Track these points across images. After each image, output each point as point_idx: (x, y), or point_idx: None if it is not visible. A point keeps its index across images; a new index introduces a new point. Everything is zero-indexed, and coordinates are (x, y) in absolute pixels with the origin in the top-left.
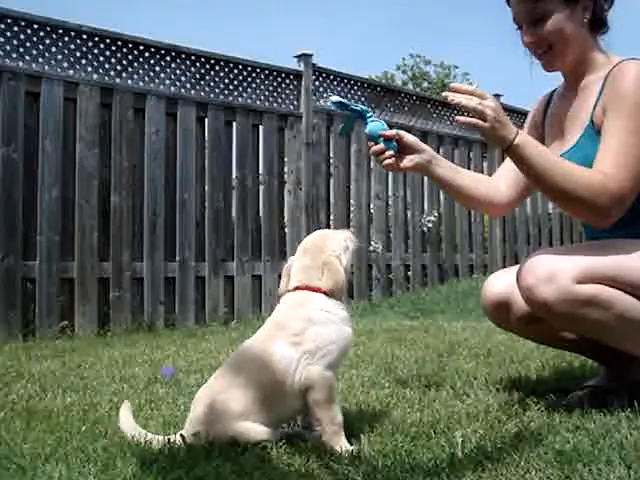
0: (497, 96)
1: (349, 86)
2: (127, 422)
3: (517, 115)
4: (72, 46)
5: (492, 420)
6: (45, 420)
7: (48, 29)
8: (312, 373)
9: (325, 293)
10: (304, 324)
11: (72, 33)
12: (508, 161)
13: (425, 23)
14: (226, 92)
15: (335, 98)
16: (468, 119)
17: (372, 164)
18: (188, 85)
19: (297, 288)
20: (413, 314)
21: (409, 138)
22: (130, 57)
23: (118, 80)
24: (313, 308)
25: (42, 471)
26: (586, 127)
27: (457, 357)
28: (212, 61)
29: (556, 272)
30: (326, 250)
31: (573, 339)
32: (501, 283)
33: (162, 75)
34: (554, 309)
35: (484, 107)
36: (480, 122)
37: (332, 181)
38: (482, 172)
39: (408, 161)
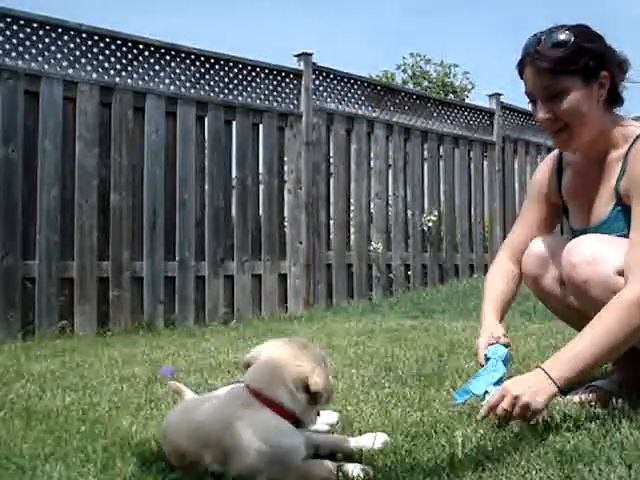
0: (497, 95)
1: (349, 85)
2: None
3: (517, 115)
4: (71, 45)
5: (492, 420)
6: (45, 420)
7: (47, 28)
8: None
9: (286, 415)
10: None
11: (71, 32)
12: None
13: (425, 23)
14: (226, 91)
15: (461, 399)
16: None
17: (372, 164)
18: (188, 84)
19: (252, 390)
20: (413, 314)
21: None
22: (130, 56)
23: (118, 79)
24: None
25: (42, 471)
26: (613, 206)
27: (457, 357)
28: (212, 60)
29: (601, 257)
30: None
31: None
32: (547, 242)
33: (162, 74)
34: (589, 291)
35: (515, 402)
36: (529, 413)
37: (332, 180)
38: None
39: None
